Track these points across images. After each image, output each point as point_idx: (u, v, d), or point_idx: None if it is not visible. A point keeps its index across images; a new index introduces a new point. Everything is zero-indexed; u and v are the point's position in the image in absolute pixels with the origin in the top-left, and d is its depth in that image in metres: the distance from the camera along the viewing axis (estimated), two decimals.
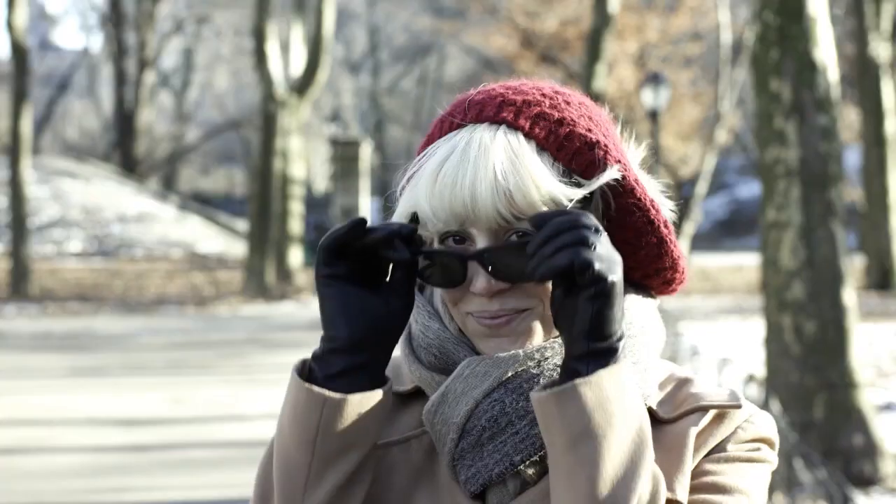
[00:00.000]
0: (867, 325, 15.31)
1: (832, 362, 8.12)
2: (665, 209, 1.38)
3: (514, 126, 1.30)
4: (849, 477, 7.53)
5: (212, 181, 62.59)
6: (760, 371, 8.68)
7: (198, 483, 8.35)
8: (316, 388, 1.29)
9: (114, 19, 49.02)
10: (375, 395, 1.29)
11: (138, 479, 8.49)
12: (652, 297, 1.42)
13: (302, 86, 26.31)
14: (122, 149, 48.30)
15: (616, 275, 1.21)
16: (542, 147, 1.29)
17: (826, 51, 8.36)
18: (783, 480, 6.98)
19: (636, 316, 1.36)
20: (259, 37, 25.28)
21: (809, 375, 8.13)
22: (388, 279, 1.33)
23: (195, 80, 57.94)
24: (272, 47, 25.37)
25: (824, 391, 8.10)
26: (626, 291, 1.36)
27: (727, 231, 51.49)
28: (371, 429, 1.29)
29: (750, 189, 49.31)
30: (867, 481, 7.87)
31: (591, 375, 1.20)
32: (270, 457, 1.35)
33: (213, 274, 29.02)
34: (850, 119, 28.55)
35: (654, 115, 19.49)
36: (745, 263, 30.97)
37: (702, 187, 32.47)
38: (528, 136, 1.30)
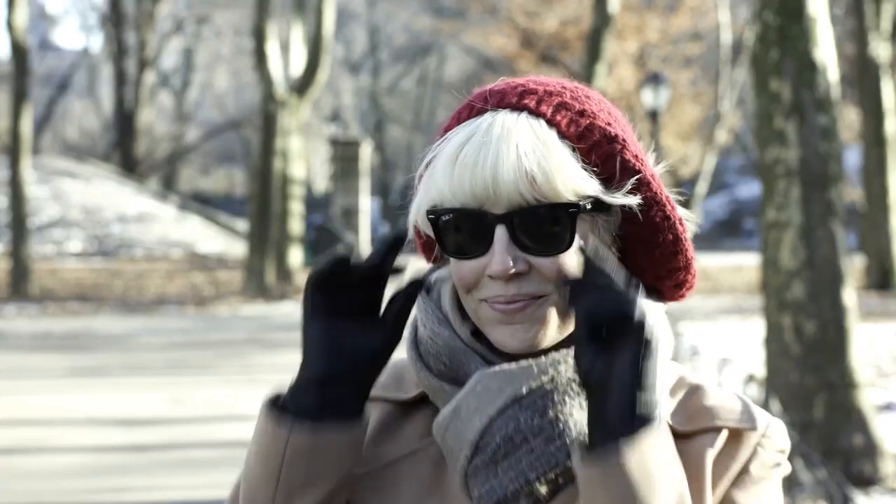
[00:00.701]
0: (867, 325, 15.31)
1: (832, 362, 8.12)
2: (680, 208, 1.35)
3: (536, 113, 1.28)
4: (849, 477, 7.52)
5: (212, 181, 62.57)
6: (760, 371, 8.68)
7: (198, 483, 8.35)
8: (283, 420, 1.27)
9: (114, 19, 49.02)
10: (345, 431, 1.27)
11: (138, 479, 8.49)
12: (662, 301, 1.38)
13: (302, 86, 26.30)
14: (122, 149, 48.31)
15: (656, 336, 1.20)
16: (563, 135, 1.27)
17: (826, 51, 8.35)
18: (783, 480, 6.97)
19: None
20: (259, 37, 25.28)
21: (809, 375, 8.13)
22: (381, 313, 1.31)
23: (195, 80, 57.94)
24: (272, 47, 25.37)
25: (824, 391, 8.10)
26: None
27: (727, 231, 51.49)
28: (338, 464, 1.26)
29: (750, 189, 49.33)
30: (867, 481, 7.87)
31: (637, 443, 1.17)
32: (238, 489, 1.34)
33: (213, 274, 29.01)
34: (850, 119, 28.54)
35: (654, 115, 19.48)
36: (745, 263, 30.96)
37: (702, 187, 32.46)
38: (550, 123, 1.27)
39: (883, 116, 22.99)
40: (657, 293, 1.37)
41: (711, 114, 31.38)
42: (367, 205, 37.66)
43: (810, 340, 8.13)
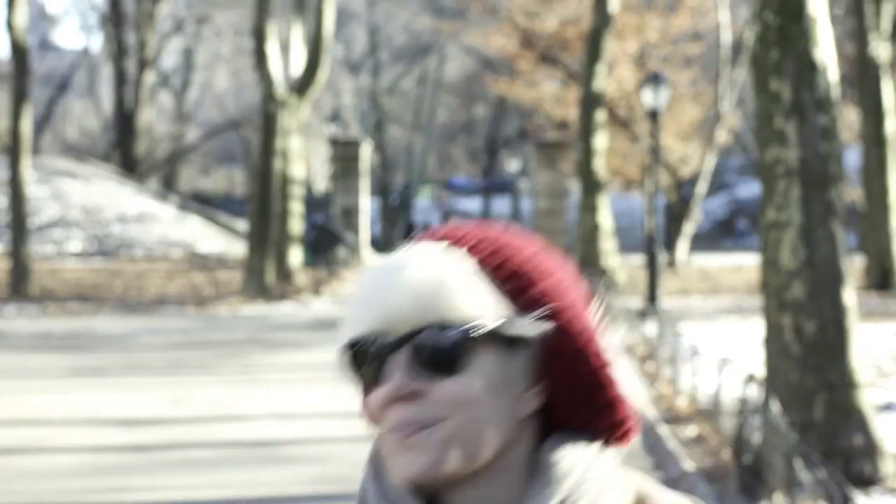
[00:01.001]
0: (867, 325, 15.31)
1: (832, 362, 8.12)
2: (610, 344, 1.28)
3: (454, 244, 1.25)
4: (849, 477, 7.52)
5: (212, 181, 62.58)
6: (760, 371, 8.68)
7: (198, 483, 8.36)
8: None
9: (114, 19, 49.04)
10: None
11: (138, 479, 8.49)
12: (605, 445, 1.29)
13: (302, 86, 26.30)
14: (122, 149, 48.33)
15: None
16: (475, 265, 1.23)
17: (826, 51, 8.36)
18: (783, 480, 6.97)
19: (585, 472, 1.24)
20: (259, 37, 25.28)
21: (809, 375, 8.13)
22: None
23: (195, 80, 57.94)
24: (272, 47, 25.37)
25: (824, 391, 8.10)
26: (566, 440, 1.26)
27: (727, 231, 51.51)
28: None
29: (750, 189, 49.35)
30: (867, 481, 7.87)
31: None
32: None
33: (213, 274, 29.02)
34: (850, 119, 28.54)
35: (654, 115, 19.46)
36: (745, 263, 30.96)
37: (702, 187, 32.56)
38: (464, 253, 1.24)
39: (883, 116, 22.99)
40: (594, 436, 1.28)
41: (711, 114, 31.43)
42: (367, 205, 37.66)
43: (810, 340, 8.13)
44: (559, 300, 1.24)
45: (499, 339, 1.21)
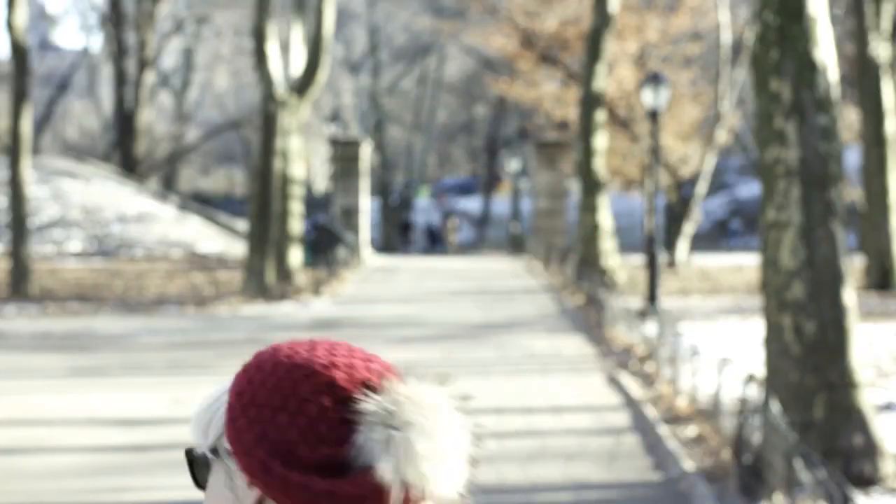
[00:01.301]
0: (867, 325, 15.30)
1: (832, 362, 8.12)
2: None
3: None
4: (849, 477, 7.52)
5: (212, 181, 62.60)
6: (760, 371, 8.68)
7: None
8: None
9: (114, 19, 49.05)
10: None
11: (138, 479, 8.49)
12: None
13: (302, 86, 26.30)
14: (122, 149, 48.33)
15: None
16: (232, 394, 1.44)
17: (826, 51, 8.36)
18: (783, 480, 6.97)
19: None
20: (259, 37, 25.28)
21: (809, 375, 8.13)
22: None
23: (195, 80, 57.95)
24: (272, 47, 25.37)
25: (824, 391, 8.10)
26: None
27: (727, 231, 51.52)
28: None
29: (750, 189, 49.35)
30: (867, 481, 7.87)
31: None
32: None
33: (213, 274, 29.01)
34: (850, 119, 28.54)
35: (654, 115, 19.45)
36: (744, 263, 30.96)
37: (702, 187, 32.56)
38: (239, 379, 1.47)
39: (883, 116, 22.98)
40: None
41: (711, 114, 31.44)
42: (367, 205, 37.68)
43: (810, 340, 8.14)
44: (233, 428, 1.40)
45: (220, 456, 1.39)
